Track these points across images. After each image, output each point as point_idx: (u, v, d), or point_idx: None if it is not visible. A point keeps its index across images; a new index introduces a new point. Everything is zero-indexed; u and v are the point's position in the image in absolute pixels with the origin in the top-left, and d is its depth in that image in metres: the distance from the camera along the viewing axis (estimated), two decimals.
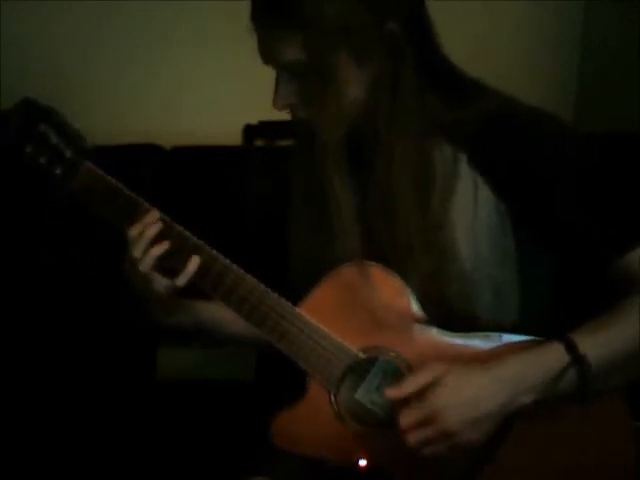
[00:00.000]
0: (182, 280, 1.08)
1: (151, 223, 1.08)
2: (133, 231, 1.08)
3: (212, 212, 1.72)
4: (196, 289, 1.12)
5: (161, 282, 1.08)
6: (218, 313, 1.21)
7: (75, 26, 1.96)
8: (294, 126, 1.08)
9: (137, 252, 1.07)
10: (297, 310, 1.08)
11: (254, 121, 1.98)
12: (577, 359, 0.95)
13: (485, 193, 1.04)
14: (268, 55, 1.01)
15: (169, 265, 1.10)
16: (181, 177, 1.85)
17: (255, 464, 1.14)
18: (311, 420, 1.09)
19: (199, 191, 1.81)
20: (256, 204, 1.61)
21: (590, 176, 1.03)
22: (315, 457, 1.09)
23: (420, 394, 0.95)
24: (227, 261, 1.10)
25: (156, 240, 1.08)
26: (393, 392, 0.97)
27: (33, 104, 1.12)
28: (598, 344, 0.96)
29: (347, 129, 1.03)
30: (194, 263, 1.08)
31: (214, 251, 1.10)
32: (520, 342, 1.02)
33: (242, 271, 1.09)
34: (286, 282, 1.11)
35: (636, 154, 1.56)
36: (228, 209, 1.77)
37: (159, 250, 1.07)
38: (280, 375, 1.12)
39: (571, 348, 0.96)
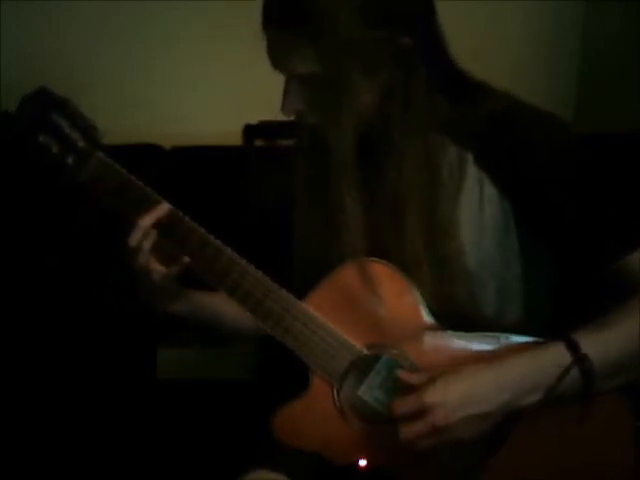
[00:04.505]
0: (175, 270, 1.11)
1: (161, 214, 1.10)
2: (144, 222, 1.09)
3: (212, 212, 1.71)
4: (202, 281, 1.12)
5: (159, 271, 1.11)
6: (220, 306, 1.22)
7: (75, 26, 1.96)
8: (298, 128, 1.08)
9: (140, 242, 1.09)
10: (302, 305, 1.09)
11: (254, 121, 1.98)
12: (579, 358, 0.95)
13: (490, 192, 1.05)
14: (280, 64, 1.01)
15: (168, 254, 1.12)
16: (181, 177, 1.84)
17: (257, 457, 1.15)
18: (313, 415, 1.09)
19: (199, 191, 1.81)
20: (256, 204, 1.62)
21: (593, 178, 1.03)
22: (316, 452, 1.09)
23: (418, 388, 0.96)
24: (234, 254, 1.10)
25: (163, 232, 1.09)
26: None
27: (46, 93, 1.11)
28: (600, 343, 0.96)
29: (358, 134, 1.03)
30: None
31: (221, 243, 1.10)
32: (523, 343, 1.02)
33: (247, 265, 1.10)
34: (288, 281, 1.11)
35: (636, 154, 1.56)
36: (228, 209, 1.77)
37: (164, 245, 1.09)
38: (281, 374, 1.12)
39: (573, 348, 0.96)
